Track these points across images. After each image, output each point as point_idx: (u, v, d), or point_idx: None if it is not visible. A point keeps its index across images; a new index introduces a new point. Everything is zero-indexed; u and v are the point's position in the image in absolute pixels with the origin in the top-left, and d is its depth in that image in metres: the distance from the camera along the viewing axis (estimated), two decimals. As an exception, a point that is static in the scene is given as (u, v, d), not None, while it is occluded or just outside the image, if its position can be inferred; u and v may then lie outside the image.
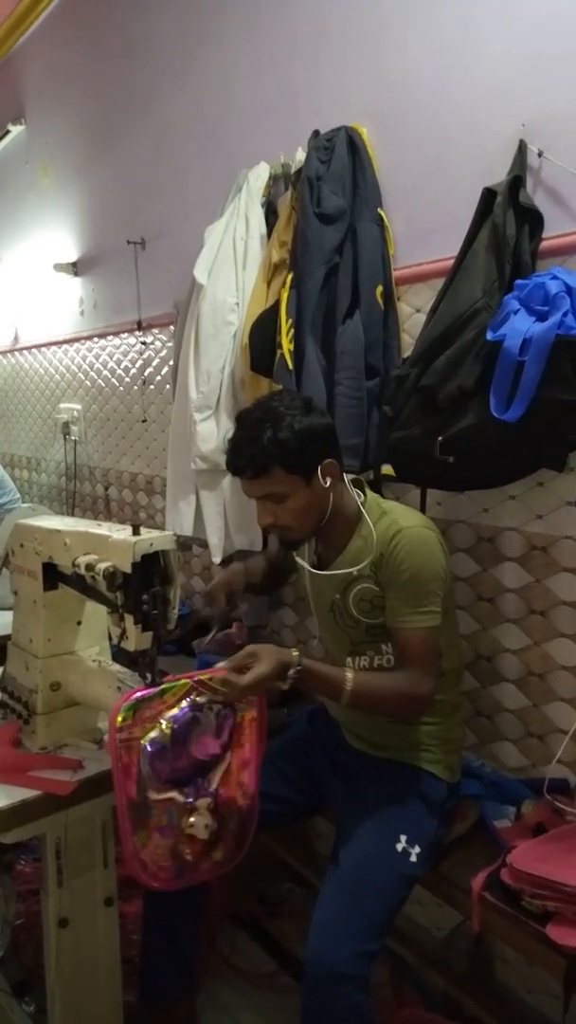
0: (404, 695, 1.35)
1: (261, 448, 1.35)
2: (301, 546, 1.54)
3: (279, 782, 1.56)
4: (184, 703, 1.25)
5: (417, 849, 1.37)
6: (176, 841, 1.24)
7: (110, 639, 1.43)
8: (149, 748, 1.19)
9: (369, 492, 1.51)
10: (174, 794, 1.23)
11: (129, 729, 1.19)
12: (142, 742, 1.19)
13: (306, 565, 1.51)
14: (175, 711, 1.23)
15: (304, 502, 1.40)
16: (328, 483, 1.40)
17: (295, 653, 1.28)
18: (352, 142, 1.81)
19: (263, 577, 1.72)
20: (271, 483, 1.38)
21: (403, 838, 1.37)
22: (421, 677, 1.35)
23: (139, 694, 1.21)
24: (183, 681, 1.25)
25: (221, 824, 1.29)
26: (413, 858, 1.36)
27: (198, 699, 1.26)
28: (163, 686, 1.23)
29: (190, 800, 1.25)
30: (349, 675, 1.32)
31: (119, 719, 1.18)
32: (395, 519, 1.42)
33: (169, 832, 1.23)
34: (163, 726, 1.21)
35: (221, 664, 1.28)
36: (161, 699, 1.22)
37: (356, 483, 1.51)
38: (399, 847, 1.36)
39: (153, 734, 1.20)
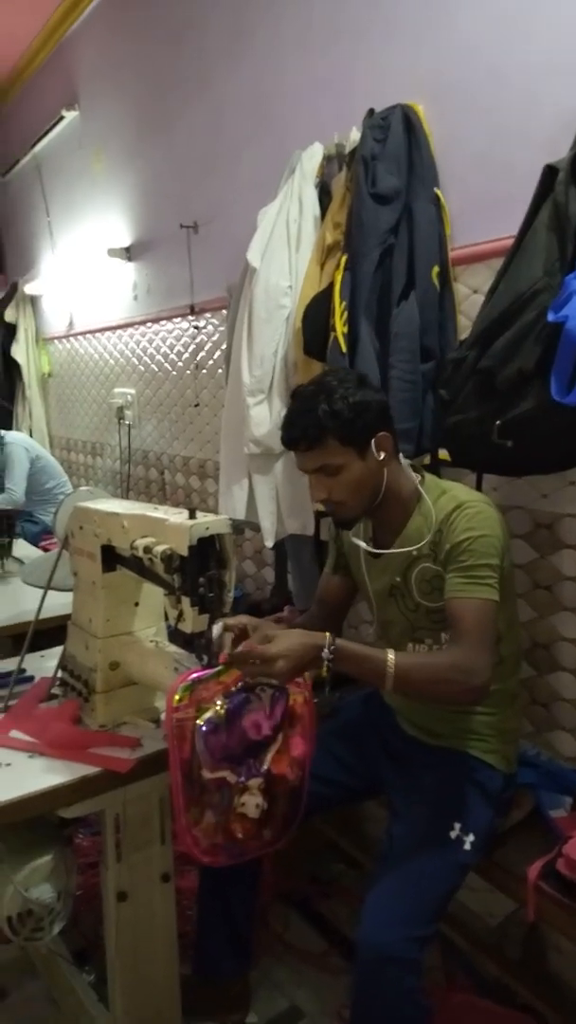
0: (456, 673, 1.24)
1: (315, 419, 1.34)
2: (354, 525, 1.51)
3: (332, 766, 1.56)
4: (239, 684, 1.27)
5: (471, 837, 1.36)
6: (228, 819, 1.26)
7: (167, 620, 1.45)
8: (204, 727, 1.22)
9: (428, 474, 1.49)
10: (227, 773, 1.25)
11: (185, 708, 1.21)
12: (197, 722, 1.21)
13: (364, 545, 1.47)
14: (231, 690, 1.26)
15: (358, 475, 1.38)
16: (382, 457, 1.38)
17: (328, 634, 1.22)
18: (408, 120, 1.78)
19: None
20: (325, 454, 1.37)
21: (457, 826, 1.36)
22: (475, 653, 1.25)
23: (195, 675, 1.23)
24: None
25: (272, 803, 1.30)
26: (467, 846, 1.35)
27: (251, 681, 1.28)
28: (219, 668, 1.25)
29: (242, 780, 1.26)
30: (391, 657, 1.22)
31: (176, 699, 1.20)
32: (455, 495, 1.39)
33: (221, 810, 1.25)
34: (218, 706, 1.23)
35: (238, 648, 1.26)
36: (217, 680, 1.24)
37: (414, 468, 1.49)
38: (453, 834, 1.35)
39: (208, 714, 1.22)
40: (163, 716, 1.44)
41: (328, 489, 1.40)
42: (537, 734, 1.70)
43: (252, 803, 1.27)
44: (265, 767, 1.29)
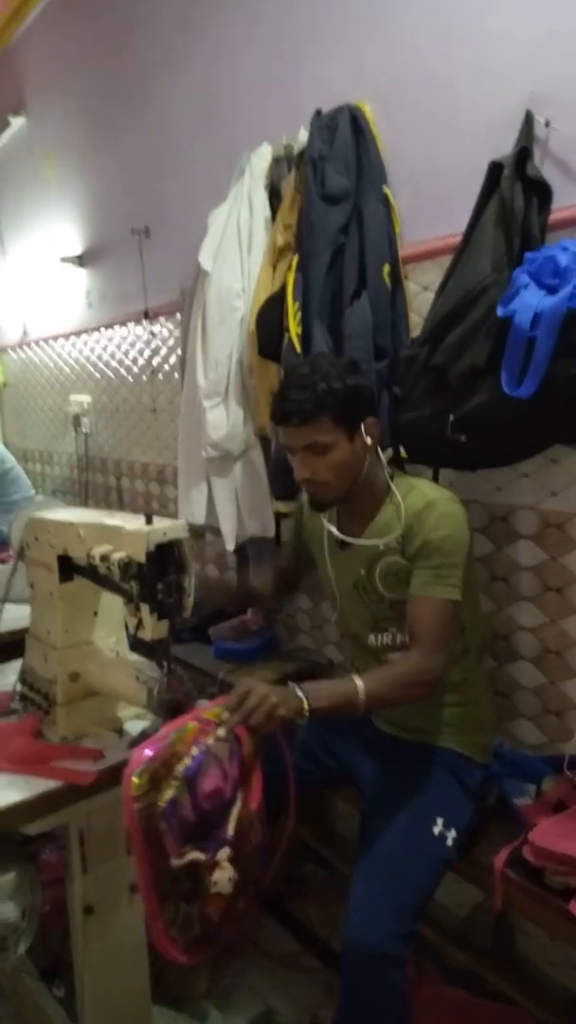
0: (416, 676, 1.31)
1: (313, 394, 1.36)
2: (331, 508, 1.52)
3: (297, 754, 1.54)
4: (194, 749, 1.15)
5: (453, 833, 1.36)
6: (203, 904, 1.14)
7: (127, 629, 1.44)
8: (166, 811, 1.09)
9: (396, 470, 1.52)
10: (196, 855, 1.12)
11: (147, 795, 1.07)
12: (159, 807, 1.08)
13: (335, 531, 1.49)
14: (187, 762, 1.13)
15: (344, 457, 1.40)
16: (369, 442, 1.42)
17: (289, 682, 1.25)
18: (355, 120, 1.78)
19: (272, 588, 1.79)
20: (316, 431, 1.38)
21: (439, 821, 1.36)
22: (431, 653, 1.31)
23: (148, 753, 1.09)
24: (190, 725, 1.17)
25: (242, 873, 1.18)
26: (449, 842, 1.35)
27: (208, 741, 1.16)
28: (171, 737, 1.14)
29: (211, 855, 1.14)
30: (360, 684, 1.26)
31: (135, 785, 1.06)
32: (425, 492, 1.42)
33: (194, 896, 1.13)
34: (178, 780, 1.11)
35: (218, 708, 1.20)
36: (173, 752, 1.12)
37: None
38: (436, 830, 1.35)
39: (170, 792, 1.10)
40: (126, 727, 1.42)
41: (313, 468, 1.41)
42: (499, 724, 1.71)
43: (224, 878, 1.14)
44: (230, 834, 1.18)
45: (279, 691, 1.21)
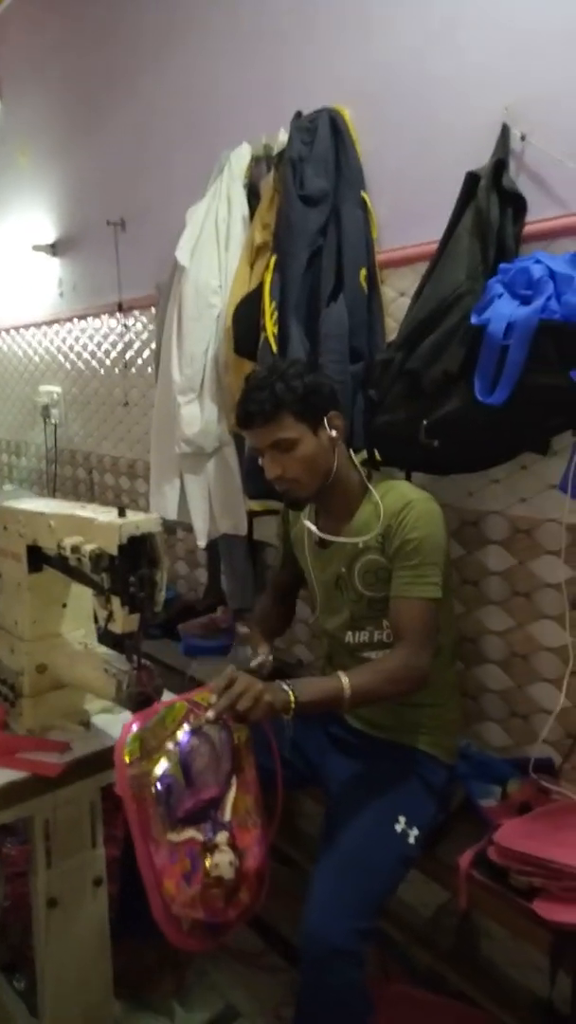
0: (403, 672, 1.34)
1: (272, 394, 1.39)
2: (306, 505, 1.54)
3: (265, 754, 1.55)
4: (184, 726, 1.19)
5: (415, 832, 1.37)
6: (203, 887, 1.15)
7: (96, 621, 1.43)
8: (159, 786, 1.12)
9: (373, 471, 1.54)
10: (193, 833, 1.15)
11: (138, 763, 1.11)
12: (152, 777, 1.12)
13: (315, 529, 1.51)
14: (179, 737, 1.17)
15: (311, 451, 1.42)
16: (334, 435, 1.44)
17: (277, 681, 1.26)
18: (335, 124, 1.80)
19: (277, 619, 1.76)
20: (280, 429, 1.40)
21: (402, 819, 1.37)
22: (418, 650, 1.35)
23: (137, 725, 1.13)
24: (179, 704, 1.20)
25: (241, 859, 1.20)
26: (411, 840, 1.36)
27: (197, 723, 1.20)
28: (161, 711, 1.18)
29: (210, 836, 1.16)
30: (345, 681, 1.27)
31: (127, 754, 1.10)
32: (403, 492, 1.45)
33: (195, 878, 1.14)
34: (170, 755, 1.15)
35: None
36: (163, 726, 1.16)
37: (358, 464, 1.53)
38: (398, 828, 1.36)
39: (162, 765, 1.13)
40: (94, 718, 1.42)
41: (283, 466, 1.43)
42: (466, 726, 1.73)
43: (225, 861, 1.16)
44: (228, 818, 1.21)
45: (265, 683, 1.22)
